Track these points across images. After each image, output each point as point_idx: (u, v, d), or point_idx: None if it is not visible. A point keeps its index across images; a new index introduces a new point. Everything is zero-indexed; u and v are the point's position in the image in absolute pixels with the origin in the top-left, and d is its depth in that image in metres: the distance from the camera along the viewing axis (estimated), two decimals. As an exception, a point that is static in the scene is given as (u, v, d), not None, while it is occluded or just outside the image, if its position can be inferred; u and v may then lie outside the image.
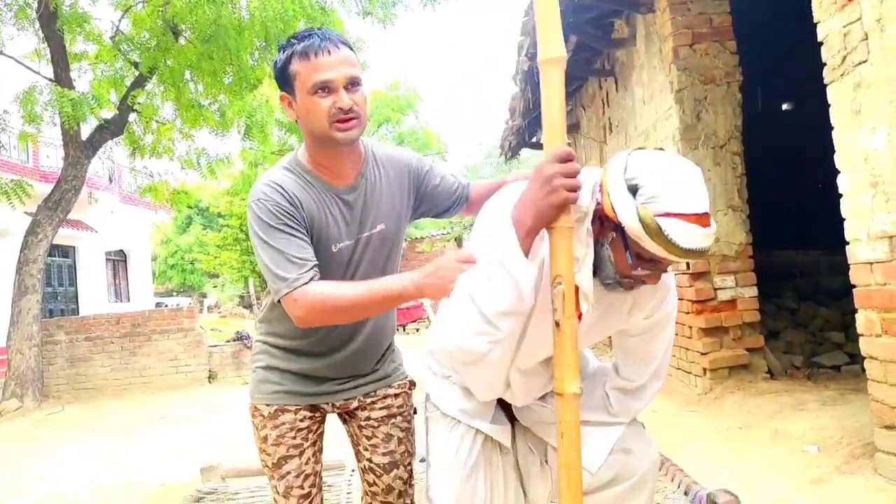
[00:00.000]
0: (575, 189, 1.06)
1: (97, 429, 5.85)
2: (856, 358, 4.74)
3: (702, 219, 1.05)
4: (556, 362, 1.10)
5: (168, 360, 8.04)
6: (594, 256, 1.14)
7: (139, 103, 8.81)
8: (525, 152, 9.52)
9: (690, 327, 4.47)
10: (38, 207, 8.08)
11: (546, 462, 1.42)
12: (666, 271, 1.17)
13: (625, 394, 1.38)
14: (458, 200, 1.56)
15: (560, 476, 1.11)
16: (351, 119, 1.29)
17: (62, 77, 7.96)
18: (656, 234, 1.04)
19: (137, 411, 6.63)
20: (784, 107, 8.25)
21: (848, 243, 2.61)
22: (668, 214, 1.04)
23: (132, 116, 9.05)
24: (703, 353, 4.33)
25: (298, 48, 1.29)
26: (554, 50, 1.09)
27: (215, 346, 8.41)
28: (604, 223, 1.12)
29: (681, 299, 4.48)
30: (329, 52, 1.27)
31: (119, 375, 7.95)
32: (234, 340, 8.54)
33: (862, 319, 2.55)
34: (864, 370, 4.58)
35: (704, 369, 4.32)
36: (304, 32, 1.33)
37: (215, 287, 26.11)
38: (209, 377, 8.15)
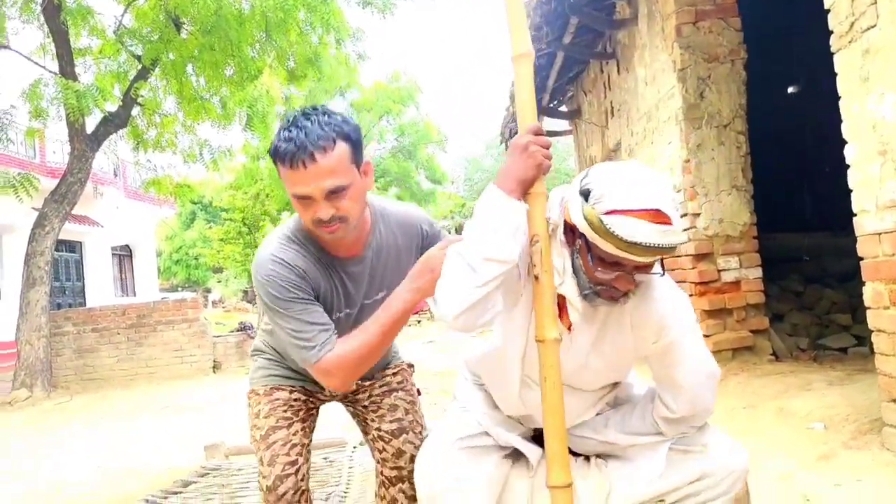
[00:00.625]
0: (548, 154, 1.17)
1: (104, 417, 5.88)
2: (863, 340, 4.70)
3: (653, 214, 1.07)
4: (535, 311, 1.19)
5: (173, 350, 8.08)
6: (572, 269, 1.20)
7: (142, 96, 8.83)
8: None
9: (694, 309, 4.44)
10: (44, 200, 8.12)
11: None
12: (632, 273, 1.16)
13: (669, 423, 1.36)
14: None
15: (545, 419, 1.18)
16: (335, 224, 1.24)
17: (67, 71, 7.98)
18: (600, 230, 1.09)
19: (143, 401, 6.67)
20: (790, 90, 8.17)
21: (855, 214, 2.58)
22: (612, 212, 1.09)
23: (136, 111, 9.09)
24: (706, 336, 4.30)
25: (281, 148, 1.21)
26: (522, 46, 1.24)
27: (219, 336, 8.45)
28: (572, 232, 1.18)
29: (683, 281, 4.45)
30: (305, 165, 1.18)
31: (125, 366, 8.00)
32: (238, 331, 8.57)
33: (869, 292, 2.52)
34: (872, 352, 4.56)
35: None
36: (291, 124, 1.22)
37: (219, 282, 26.22)
38: (213, 367, 8.19)
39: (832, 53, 2.63)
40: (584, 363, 1.30)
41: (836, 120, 2.69)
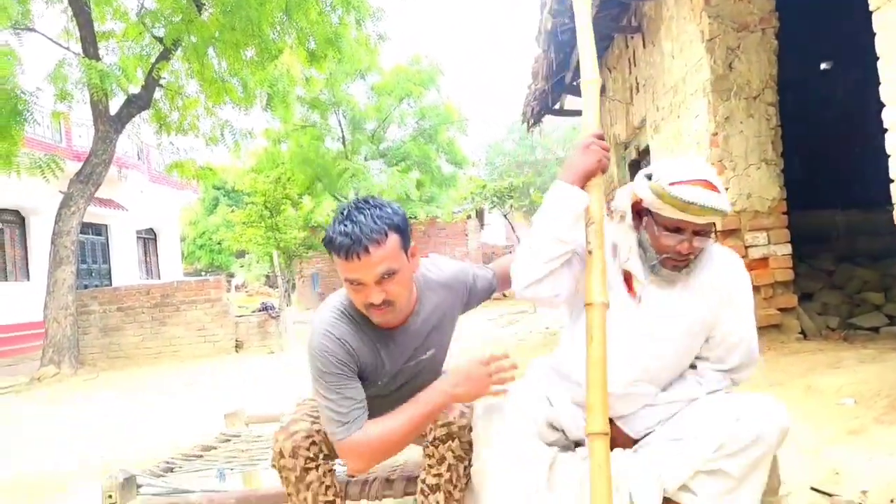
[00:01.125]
0: (607, 154, 1.43)
1: (131, 392, 6.00)
2: (895, 320, 4.55)
3: (704, 183, 1.33)
4: (586, 280, 1.40)
5: (196, 329, 8.20)
6: (638, 247, 1.44)
7: (164, 78, 8.89)
8: (548, 121, 9.33)
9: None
10: (70, 182, 8.26)
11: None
12: (692, 238, 1.37)
13: (720, 373, 1.52)
14: (491, 291, 1.67)
15: (588, 373, 1.33)
16: (384, 308, 1.35)
17: (90, 53, 8.07)
18: (665, 196, 1.33)
19: (168, 378, 6.79)
20: (822, 66, 7.89)
21: (893, 181, 2.46)
22: (673, 183, 1.34)
23: (159, 94, 9.17)
24: (733, 313, 4.19)
25: (336, 241, 1.31)
26: (590, 73, 1.54)
27: (242, 316, 8.54)
28: (639, 215, 1.44)
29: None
30: (360, 257, 1.29)
31: (150, 344, 8.15)
32: (260, 311, 8.66)
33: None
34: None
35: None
36: (352, 216, 1.32)
37: (242, 266, 26.55)
38: (236, 347, 8.29)
39: (871, 13, 2.50)
40: (652, 332, 1.45)
41: (871, 95, 2.56)
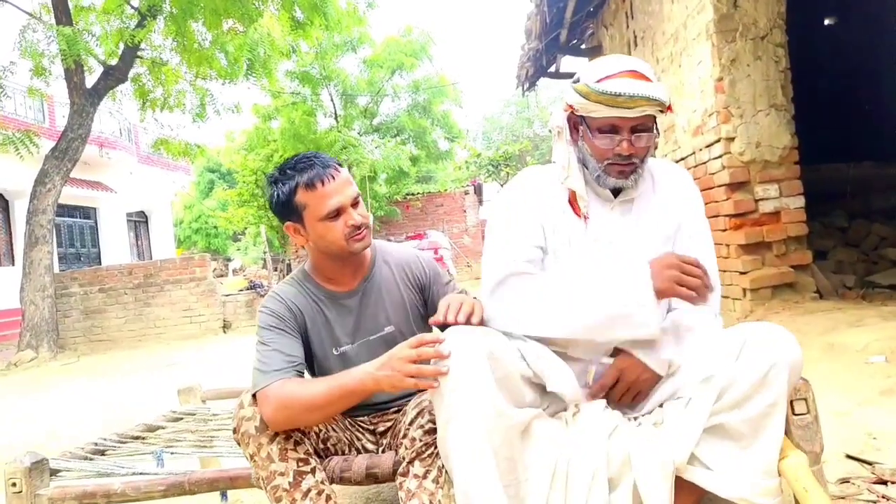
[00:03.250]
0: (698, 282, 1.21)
1: (108, 375, 5.73)
2: (917, 277, 4.23)
3: (630, 73, 1.22)
4: None
5: (181, 310, 7.91)
6: (579, 164, 1.31)
7: (143, 49, 8.50)
8: (543, 84, 8.94)
9: (728, 245, 4.01)
10: (45, 157, 7.91)
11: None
12: (630, 137, 1.24)
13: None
14: None
15: None
16: (363, 231, 1.39)
17: (63, 22, 7.66)
18: (592, 95, 1.22)
19: (150, 360, 6.52)
20: (826, 21, 7.48)
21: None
22: (599, 80, 1.23)
23: (143, 70, 8.80)
24: (742, 273, 3.88)
25: (302, 179, 1.35)
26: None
27: (229, 295, 8.25)
28: (576, 127, 1.31)
29: (716, 216, 4.01)
30: (333, 177, 1.35)
31: (134, 326, 7.87)
32: (248, 289, 8.36)
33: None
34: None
35: (744, 290, 3.87)
36: (300, 160, 1.38)
37: (238, 250, 26.30)
38: (223, 327, 8.01)
39: None
40: (609, 253, 1.30)
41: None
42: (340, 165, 1.40)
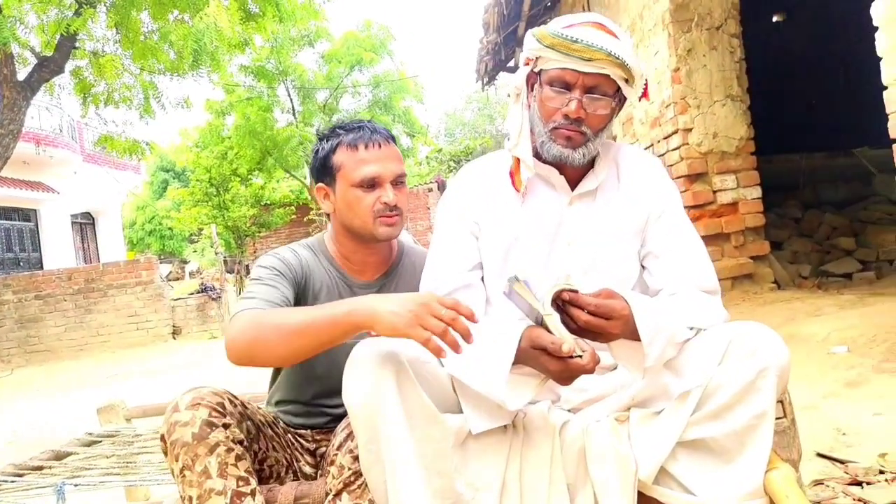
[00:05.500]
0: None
1: (40, 390, 5.35)
2: (868, 265, 4.29)
3: (596, 24, 1.09)
4: None
5: (127, 316, 7.49)
6: (529, 130, 1.15)
7: (82, 40, 8.04)
8: (505, 82, 8.86)
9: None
10: (-28, 156, 7.37)
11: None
12: (582, 97, 1.08)
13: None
14: None
15: None
16: (395, 215, 1.25)
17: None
18: (548, 38, 1.08)
19: (91, 371, 6.13)
20: (774, 18, 7.62)
21: (885, 88, 2.07)
22: (562, 28, 1.08)
23: (83, 62, 8.33)
24: (701, 265, 3.84)
25: (346, 139, 1.26)
26: None
27: (178, 299, 7.87)
28: (531, 85, 1.16)
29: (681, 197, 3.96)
30: (379, 145, 1.25)
31: (74, 335, 7.41)
32: (199, 293, 7.99)
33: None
34: (878, 277, 4.14)
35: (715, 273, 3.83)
36: (353, 123, 1.30)
37: (195, 252, 25.49)
38: (173, 333, 7.63)
39: None
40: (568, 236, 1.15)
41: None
42: (393, 140, 1.29)
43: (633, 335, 0.96)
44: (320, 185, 1.30)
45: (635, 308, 0.95)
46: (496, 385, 0.94)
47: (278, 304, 1.16)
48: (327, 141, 1.28)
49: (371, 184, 1.23)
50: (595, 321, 0.93)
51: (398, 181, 1.25)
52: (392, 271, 1.33)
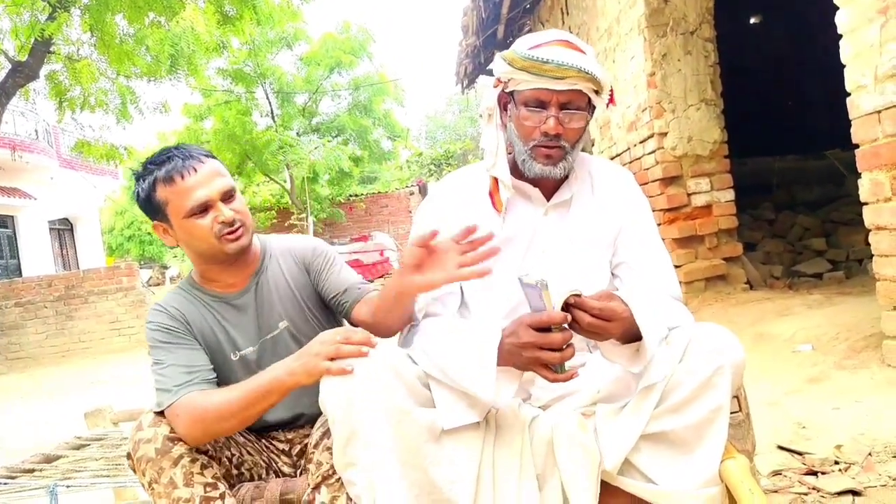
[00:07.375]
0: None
1: (23, 397, 5.29)
2: (838, 265, 4.44)
3: (562, 42, 1.12)
4: None
5: (108, 322, 7.43)
6: (505, 149, 1.20)
7: (56, 43, 7.94)
8: (482, 81, 8.94)
9: (663, 239, 4.07)
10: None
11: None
12: (558, 114, 1.13)
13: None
14: (337, 305, 1.37)
15: None
16: (238, 228, 1.26)
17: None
18: (518, 61, 1.11)
19: (72, 378, 6.08)
20: (752, 20, 7.80)
21: (849, 94, 2.17)
22: (530, 49, 1.12)
23: (58, 66, 8.22)
24: (676, 266, 3.94)
25: (160, 174, 1.23)
26: None
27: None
28: (503, 106, 1.19)
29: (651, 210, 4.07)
30: (195, 169, 1.23)
31: (55, 342, 7.33)
32: (182, 298, 7.95)
33: (867, 184, 2.13)
34: (847, 277, 4.28)
35: (679, 282, 3.93)
36: (160, 154, 1.27)
37: (175, 257, 25.21)
38: (156, 338, 7.57)
39: None
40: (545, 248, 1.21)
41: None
42: (208, 156, 1.27)
43: (628, 334, 1.04)
44: (156, 222, 1.28)
45: (636, 311, 1.03)
46: (483, 382, 1.01)
47: (192, 371, 1.19)
48: (144, 180, 1.25)
49: (202, 209, 1.23)
50: (598, 323, 1.00)
51: (228, 196, 1.25)
52: (260, 268, 1.36)
